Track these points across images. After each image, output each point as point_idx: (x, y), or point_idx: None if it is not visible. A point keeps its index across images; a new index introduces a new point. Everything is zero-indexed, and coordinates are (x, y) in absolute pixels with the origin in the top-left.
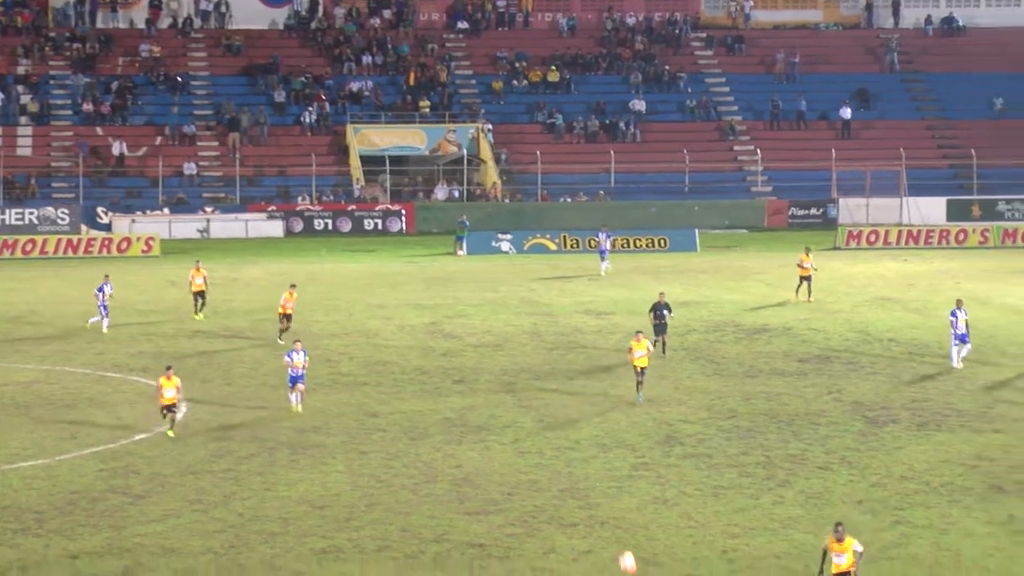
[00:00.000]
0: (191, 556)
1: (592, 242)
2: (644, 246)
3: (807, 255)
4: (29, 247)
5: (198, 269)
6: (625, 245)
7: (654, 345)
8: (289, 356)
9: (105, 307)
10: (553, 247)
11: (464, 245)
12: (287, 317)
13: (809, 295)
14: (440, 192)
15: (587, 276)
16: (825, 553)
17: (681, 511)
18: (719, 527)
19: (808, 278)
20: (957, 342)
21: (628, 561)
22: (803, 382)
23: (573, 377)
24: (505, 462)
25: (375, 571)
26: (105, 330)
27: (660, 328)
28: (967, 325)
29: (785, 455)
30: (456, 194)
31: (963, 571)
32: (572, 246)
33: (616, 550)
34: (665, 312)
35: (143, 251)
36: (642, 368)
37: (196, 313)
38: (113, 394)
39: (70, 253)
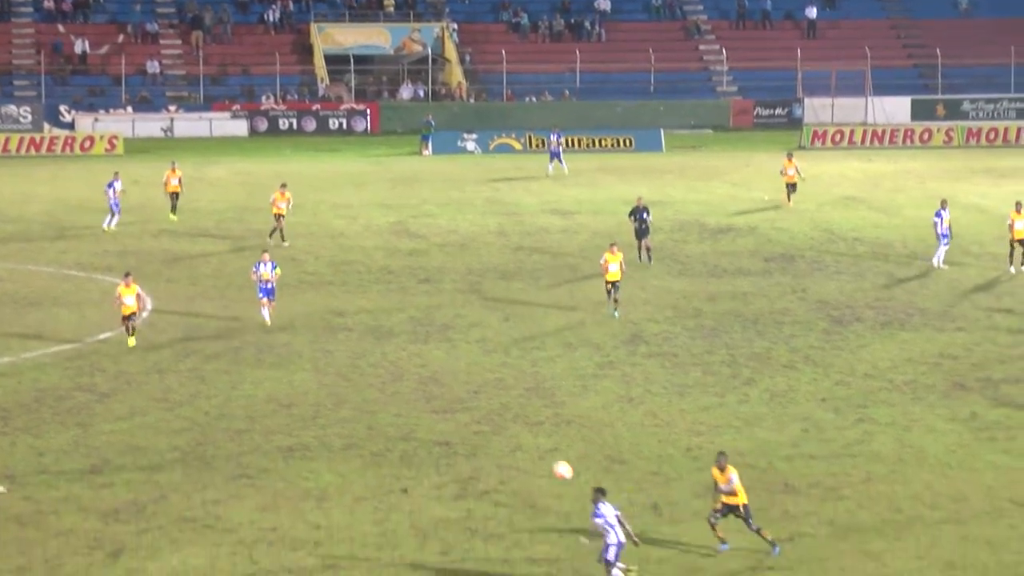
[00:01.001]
0: (157, 454)
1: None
2: (609, 146)
3: (790, 161)
4: None
5: (173, 170)
6: (591, 145)
7: (638, 251)
8: (256, 268)
9: (117, 204)
10: (518, 147)
11: (429, 145)
12: (279, 217)
13: (789, 199)
14: (405, 91)
15: (552, 176)
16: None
17: (646, 409)
18: (684, 425)
19: (793, 184)
20: (944, 241)
21: (562, 468)
22: (768, 281)
23: (539, 277)
24: (471, 361)
25: (342, 469)
26: (113, 227)
27: (642, 232)
28: (950, 225)
29: (750, 354)
30: (421, 94)
31: (926, 467)
32: (537, 146)
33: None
34: (645, 215)
35: (106, 150)
36: (614, 282)
37: (171, 214)
38: (77, 293)
39: (33, 152)
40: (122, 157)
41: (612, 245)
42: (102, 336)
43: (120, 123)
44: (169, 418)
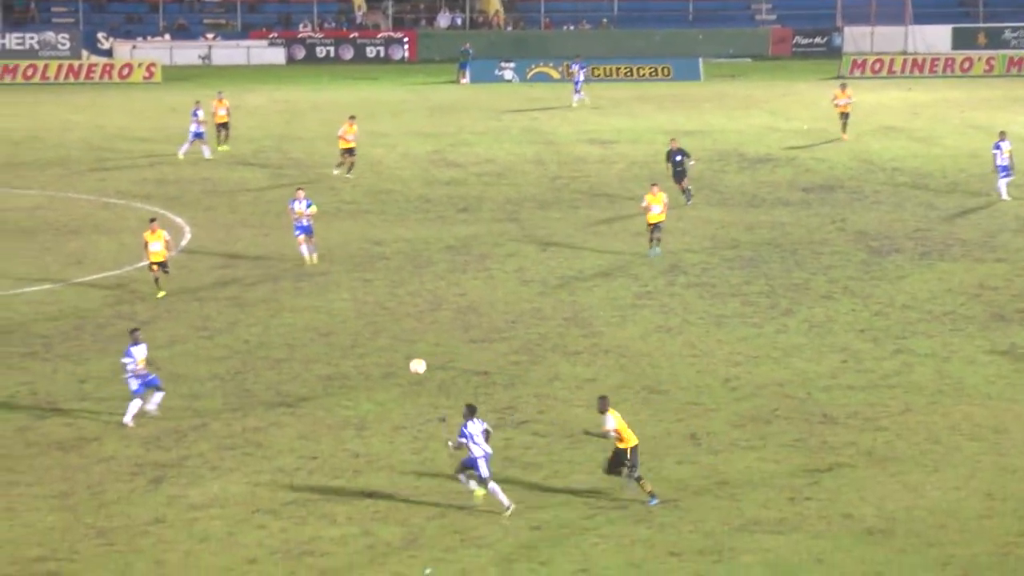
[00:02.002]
0: (197, 382)
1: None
2: (647, 75)
3: (843, 91)
4: (30, 72)
5: (220, 100)
6: (628, 74)
7: (682, 193)
8: (291, 205)
9: (200, 134)
10: (556, 75)
11: (467, 73)
12: (348, 151)
13: (844, 131)
14: (443, 19)
15: (591, 105)
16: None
17: (684, 340)
18: (722, 355)
19: (846, 114)
20: (1003, 174)
21: (416, 365)
22: (807, 212)
23: (577, 206)
24: (509, 291)
25: (381, 398)
26: (182, 156)
27: (679, 175)
28: (1011, 156)
29: (788, 284)
30: (459, 22)
31: (964, 398)
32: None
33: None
34: (681, 158)
35: (144, 77)
36: (656, 224)
37: (220, 144)
38: (117, 221)
39: (71, 79)
40: (160, 85)
41: (653, 186)
42: (141, 264)
43: (158, 50)
44: (209, 346)
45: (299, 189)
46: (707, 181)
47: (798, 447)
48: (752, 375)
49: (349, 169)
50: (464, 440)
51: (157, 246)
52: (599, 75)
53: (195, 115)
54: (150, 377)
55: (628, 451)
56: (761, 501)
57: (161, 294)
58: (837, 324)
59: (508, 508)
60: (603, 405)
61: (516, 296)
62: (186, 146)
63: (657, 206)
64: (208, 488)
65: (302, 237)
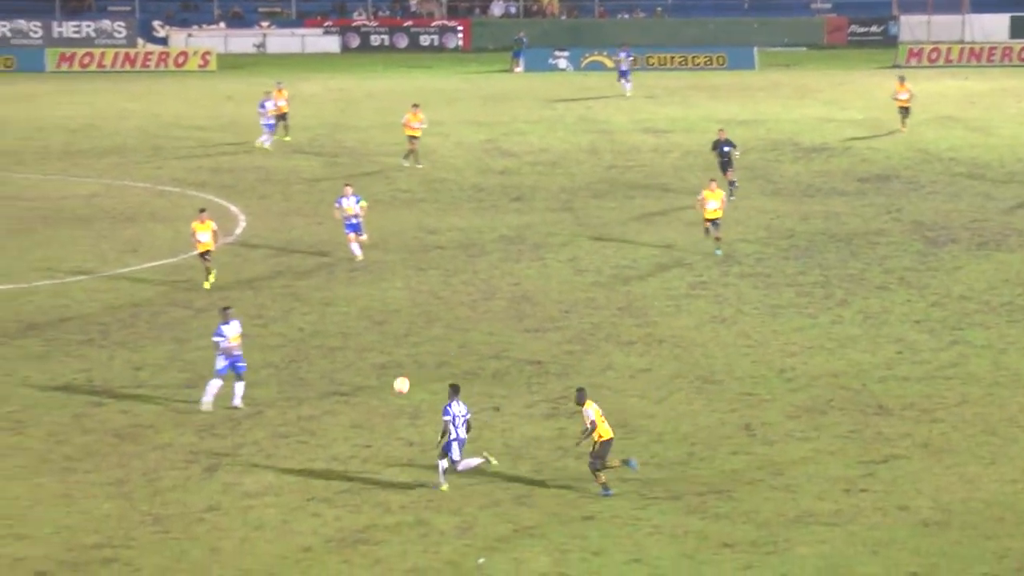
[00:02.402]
0: (252, 370)
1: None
2: (702, 64)
3: (902, 84)
4: (87, 60)
5: (280, 90)
6: (683, 63)
7: (728, 185)
8: (339, 202)
9: (271, 125)
10: (610, 64)
11: (521, 62)
12: (413, 139)
13: (903, 124)
14: (497, 8)
15: (645, 94)
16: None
17: (739, 330)
18: (777, 345)
19: (906, 108)
20: None
21: (400, 384)
22: (862, 201)
23: (631, 196)
24: (563, 280)
25: (435, 387)
26: (268, 146)
27: (725, 165)
28: None
29: (843, 274)
30: (513, 10)
31: (1022, 390)
32: (630, 64)
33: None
34: (728, 148)
35: (200, 66)
36: (714, 220)
37: (281, 135)
38: (172, 209)
39: (127, 67)
40: (215, 73)
41: (712, 181)
42: (193, 253)
43: (213, 39)
44: (263, 334)
45: (347, 185)
46: (761, 171)
47: (853, 438)
48: (807, 366)
49: (416, 159)
50: (447, 418)
51: (205, 236)
52: (653, 64)
53: (263, 107)
54: (237, 357)
55: (599, 443)
56: (816, 492)
57: (207, 285)
58: (893, 315)
59: (439, 485)
60: (580, 398)
61: (570, 285)
62: (267, 137)
63: (714, 202)
64: (263, 476)
65: (352, 235)
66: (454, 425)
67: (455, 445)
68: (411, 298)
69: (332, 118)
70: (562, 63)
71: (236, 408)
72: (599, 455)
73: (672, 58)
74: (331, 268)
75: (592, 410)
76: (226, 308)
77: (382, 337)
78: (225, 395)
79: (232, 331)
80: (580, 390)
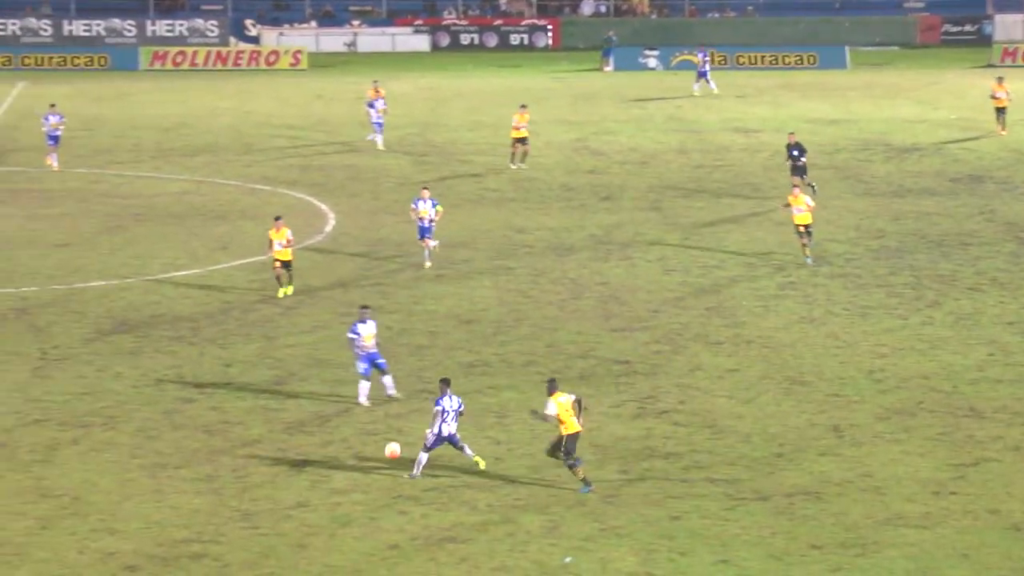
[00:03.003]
0: (340, 367)
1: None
2: (793, 63)
3: (1000, 84)
4: (179, 59)
5: (376, 90)
6: (773, 62)
7: (809, 187)
8: (415, 204)
9: (380, 124)
10: (700, 63)
11: (611, 61)
12: (521, 140)
13: (1003, 127)
14: (587, 7)
15: (735, 93)
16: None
17: (828, 331)
18: (866, 347)
19: (1003, 109)
20: None
21: (393, 448)
22: (954, 202)
23: (720, 195)
24: (651, 279)
25: (522, 385)
26: (380, 147)
27: (796, 170)
28: None
29: (934, 275)
30: (603, 9)
31: None
32: (720, 62)
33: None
34: (796, 153)
35: (291, 64)
36: (804, 226)
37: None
38: (263, 206)
39: (219, 65)
40: (306, 72)
41: (795, 187)
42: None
43: (304, 37)
44: None
45: (424, 188)
46: (852, 171)
47: (943, 441)
48: (897, 367)
49: (522, 158)
50: (437, 408)
51: (281, 244)
52: (743, 63)
53: (371, 106)
54: (374, 354)
55: (564, 438)
56: (905, 495)
57: (282, 293)
58: (985, 316)
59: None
60: (551, 388)
61: (658, 285)
62: (378, 137)
63: (799, 208)
64: (350, 473)
65: (424, 240)
66: (443, 419)
67: (431, 436)
68: (499, 297)
69: (422, 117)
70: (652, 62)
71: (393, 398)
72: (567, 450)
73: (762, 57)
74: (419, 267)
75: (555, 404)
76: (364, 307)
77: (470, 336)
78: (311, 391)
79: (367, 330)
80: (551, 381)
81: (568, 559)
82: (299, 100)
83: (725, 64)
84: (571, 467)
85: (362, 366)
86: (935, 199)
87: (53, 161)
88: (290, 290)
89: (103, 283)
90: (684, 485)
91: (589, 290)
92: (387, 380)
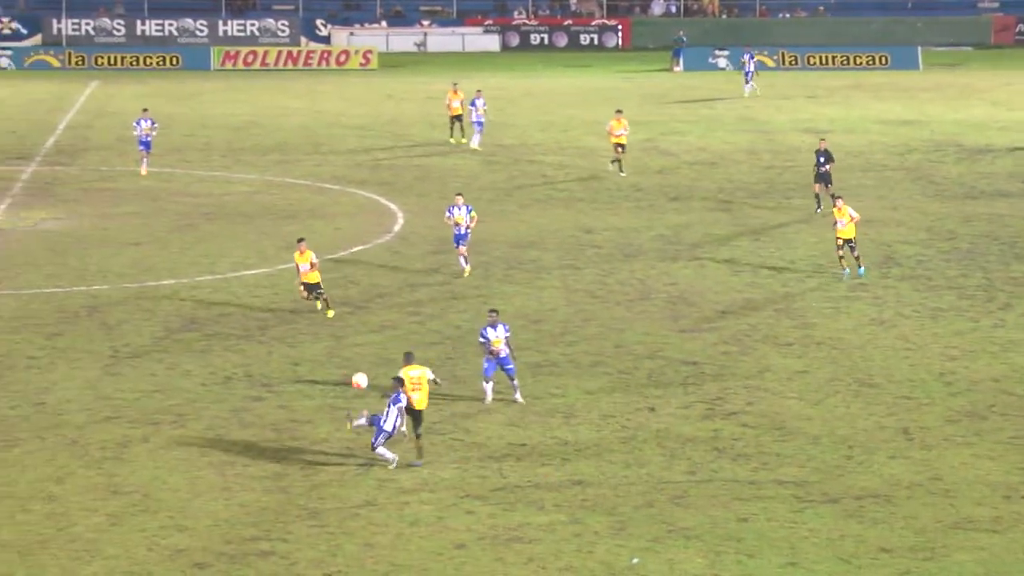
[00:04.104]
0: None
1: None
2: (864, 63)
3: None
4: (250, 58)
5: (455, 92)
6: (845, 62)
7: (816, 198)
8: (449, 212)
9: (480, 123)
10: (771, 64)
11: (680, 61)
12: (620, 146)
13: None
14: (657, 7)
15: (806, 94)
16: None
17: (898, 333)
18: (937, 349)
19: None
20: None
21: (360, 379)
22: None
23: (790, 196)
24: (719, 280)
25: (589, 386)
26: (476, 147)
27: (820, 177)
28: None
29: (1007, 277)
30: (673, 9)
31: None
32: (791, 63)
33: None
34: (822, 160)
35: (361, 64)
36: (846, 240)
37: (451, 137)
38: (332, 205)
39: (290, 65)
40: (376, 71)
41: (837, 199)
42: (356, 249)
43: (374, 37)
44: (420, 331)
45: (458, 195)
46: (924, 172)
47: (1014, 444)
48: (968, 370)
49: (620, 166)
50: (395, 406)
51: (306, 267)
52: (814, 63)
53: (473, 105)
54: (504, 359)
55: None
56: (975, 498)
57: (329, 313)
58: None
59: (393, 462)
60: (407, 360)
61: (727, 286)
62: (477, 137)
63: (842, 220)
64: (418, 473)
65: (462, 248)
66: (386, 413)
67: (383, 436)
68: (567, 297)
69: (491, 117)
70: (722, 62)
71: (518, 403)
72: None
73: (833, 58)
74: (488, 266)
75: (406, 376)
76: (493, 311)
77: (537, 336)
78: (375, 386)
79: (496, 334)
80: (407, 353)
81: (635, 560)
82: (369, 100)
83: (796, 64)
84: (417, 436)
85: (487, 367)
86: (1008, 201)
87: (144, 167)
88: (330, 313)
89: (173, 281)
90: (752, 487)
91: (657, 291)
92: (514, 383)
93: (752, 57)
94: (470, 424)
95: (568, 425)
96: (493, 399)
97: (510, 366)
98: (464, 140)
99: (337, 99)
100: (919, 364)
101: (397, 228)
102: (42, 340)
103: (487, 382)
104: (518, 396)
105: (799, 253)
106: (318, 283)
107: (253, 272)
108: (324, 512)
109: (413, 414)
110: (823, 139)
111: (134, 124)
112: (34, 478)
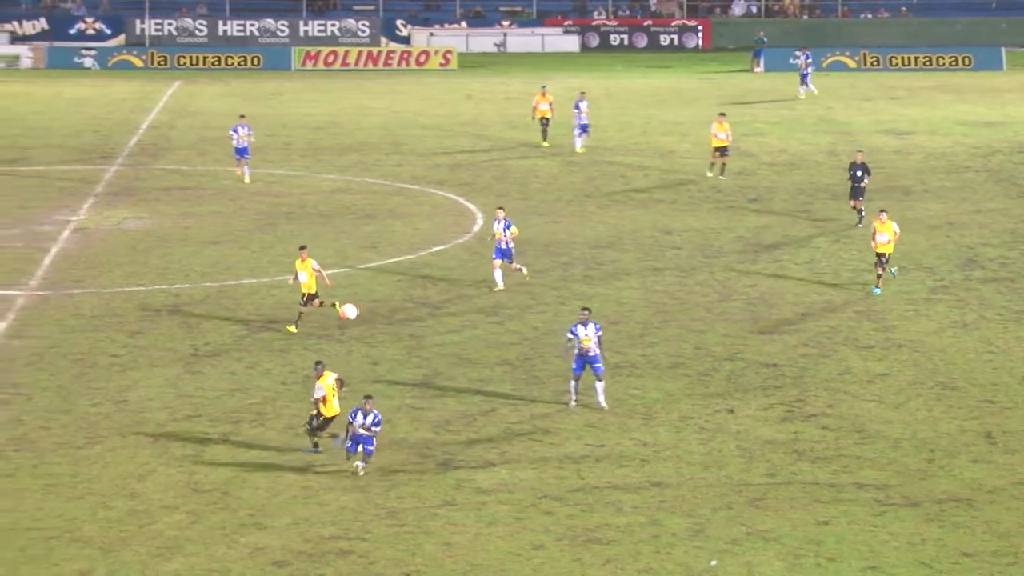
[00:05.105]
0: (487, 367)
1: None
2: (947, 64)
3: None
4: (331, 59)
5: (543, 94)
6: (927, 63)
7: (858, 213)
8: (496, 224)
9: (583, 126)
10: (853, 65)
11: (761, 62)
12: (721, 150)
13: None
14: (737, 7)
15: (887, 95)
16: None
17: (981, 336)
18: (1020, 352)
19: None
20: None
21: (349, 310)
22: None
23: (870, 198)
24: (799, 282)
25: (668, 387)
26: (580, 149)
27: (855, 192)
28: None
29: None
30: (753, 9)
31: None
32: (872, 63)
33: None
34: (861, 173)
35: (440, 64)
36: (885, 255)
37: (543, 141)
38: (411, 206)
39: (370, 65)
40: (455, 72)
41: (882, 212)
42: (434, 249)
43: (454, 38)
44: (499, 332)
45: (499, 208)
46: (1007, 174)
47: None
48: None
49: (722, 171)
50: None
51: (304, 276)
52: (896, 64)
53: (577, 108)
54: (592, 357)
55: (322, 418)
56: None
57: (292, 329)
58: None
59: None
60: (318, 370)
61: (807, 288)
62: (580, 139)
63: (884, 234)
64: (496, 473)
65: (498, 261)
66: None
67: (360, 449)
68: (646, 298)
69: (570, 117)
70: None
71: (602, 407)
72: (319, 427)
73: (915, 58)
74: (567, 266)
75: (324, 386)
76: (585, 309)
77: (616, 336)
78: (457, 388)
79: (586, 332)
80: (318, 363)
81: (713, 562)
82: (448, 100)
83: (877, 65)
84: (309, 433)
85: (575, 364)
86: None
87: (244, 174)
88: (292, 329)
89: (254, 281)
90: (832, 490)
91: (737, 292)
92: (599, 386)
93: (808, 57)
94: (548, 425)
95: (647, 426)
96: (576, 402)
97: (598, 365)
98: (546, 144)
99: (416, 99)
100: (1002, 367)
101: (476, 228)
102: (124, 338)
103: (573, 380)
104: (601, 399)
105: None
106: (315, 293)
107: (332, 272)
108: (402, 512)
109: (325, 421)
110: (860, 151)
111: (231, 132)
112: (116, 475)
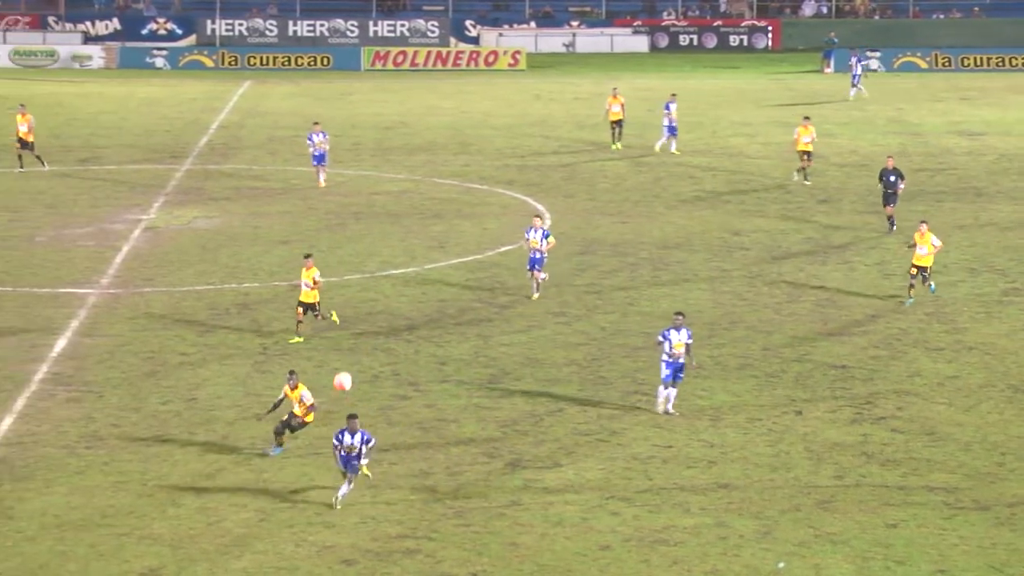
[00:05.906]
0: (554, 367)
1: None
2: (1020, 65)
3: None
4: (400, 59)
5: (615, 96)
6: (1000, 63)
7: (890, 220)
8: (527, 233)
9: (672, 128)
10: (924, 65)
11: (831, 62)
12: (806, 154)
13: None
14: (807, 8)
15: (959, 96)
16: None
17: None
18: None
19: None
20: None
21: (344, 380)
22: None
23: (941, 199)
24: (869, 283)
25: (736, 388)
26: (673, 149)
27: (889, 198)
28: None
29: None
30: (824, 10)
31: None
32: (943, 64)
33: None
34: (893, 179)
35: (509, 65)
36: (922, 268)
37: (613, 143)
38: (479, 206)
39: (439, 65)
40: (524, 72)
41: (922, 223)
42: (502, 249)
43: (523, 38)
44: (566, 332)
45: (536, 217)
46: None
47: None
48: None
49: (805, 175)
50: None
51: (307, 284)
52: (968, 65)
53: (667, 108)
54: (680, 364)
55: (299, 419)
56: None
57: (294, 339)
58: None
59: (338, 499)
60: (293, 381)
61: (877, 289)
62: (662, 140)
63: (923, 247)
64: (563, 473)
65: (532, 272)
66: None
67: (345, 467)
68: (714, 299)
69: (640, 117)
70: (873, 63)
71: (669, 414)
72: (292, 427)
73: (988, 59)
74: (635, 267)
75: (306, 393)
76: (679, 314)
77: None
78: (525, 390)
79: (679, 338)
80: (291, 372)
81: (781, 565)
82: (517, 100)
83: (949, 66)
84: (277, 433)
85: (665, 372)
86: None
87: (321, 179)
88: (299, 340)
89: (322, 280)
90: (901, 492)
91: (806, 293)
92: (671, 394)
93: (860, 60)
94: (616, 426)
95: (714, 428)
96: (667, 409)
97: (681, 373)
98: (618, 145)
99: (485, 99)
100: None
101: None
102: (194, 337)
103: (664, 388)
104: (670, 406)
105: (951, 257)
106: (315, 303)
107: (401, 271)
108: (469, 511)
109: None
110: (890, 157)
111: (307, 140)
112: (185, 473)
